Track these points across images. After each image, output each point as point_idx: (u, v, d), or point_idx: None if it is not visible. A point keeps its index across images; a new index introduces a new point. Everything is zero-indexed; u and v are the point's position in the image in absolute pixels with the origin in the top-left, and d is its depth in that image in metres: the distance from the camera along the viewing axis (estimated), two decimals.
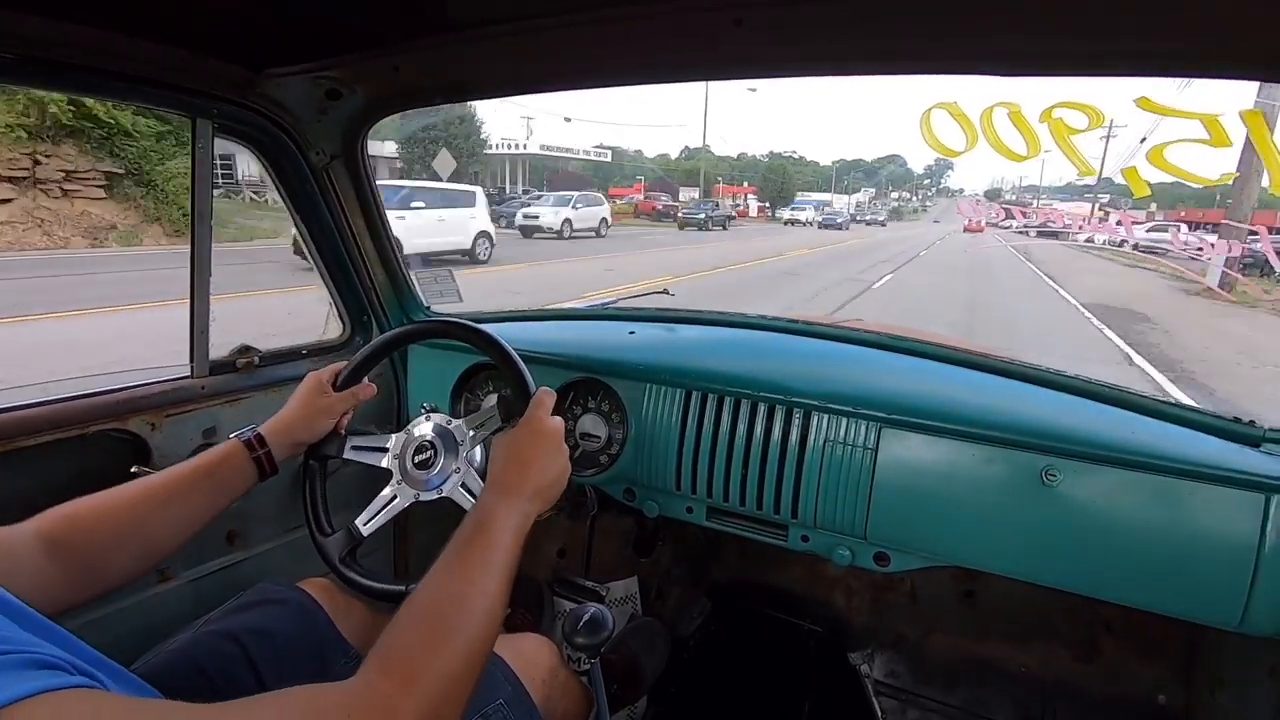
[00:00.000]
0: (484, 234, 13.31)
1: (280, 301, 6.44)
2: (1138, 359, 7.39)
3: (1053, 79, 0.88)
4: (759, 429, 1.18)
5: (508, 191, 34.86)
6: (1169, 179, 0.86)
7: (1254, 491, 0.90)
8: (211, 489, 0.92)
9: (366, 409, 1.18)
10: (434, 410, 1.09)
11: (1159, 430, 1.03)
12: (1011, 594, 1.52)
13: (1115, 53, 0.82)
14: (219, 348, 1.24)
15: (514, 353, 1.04)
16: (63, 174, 11.70)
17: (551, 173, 44.24)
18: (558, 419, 0.95)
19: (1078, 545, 1.00)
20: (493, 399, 1.43)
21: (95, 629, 1.03)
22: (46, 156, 11.47)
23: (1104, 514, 0.98)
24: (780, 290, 11.23)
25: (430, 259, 10.73)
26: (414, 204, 11.56)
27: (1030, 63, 0.87)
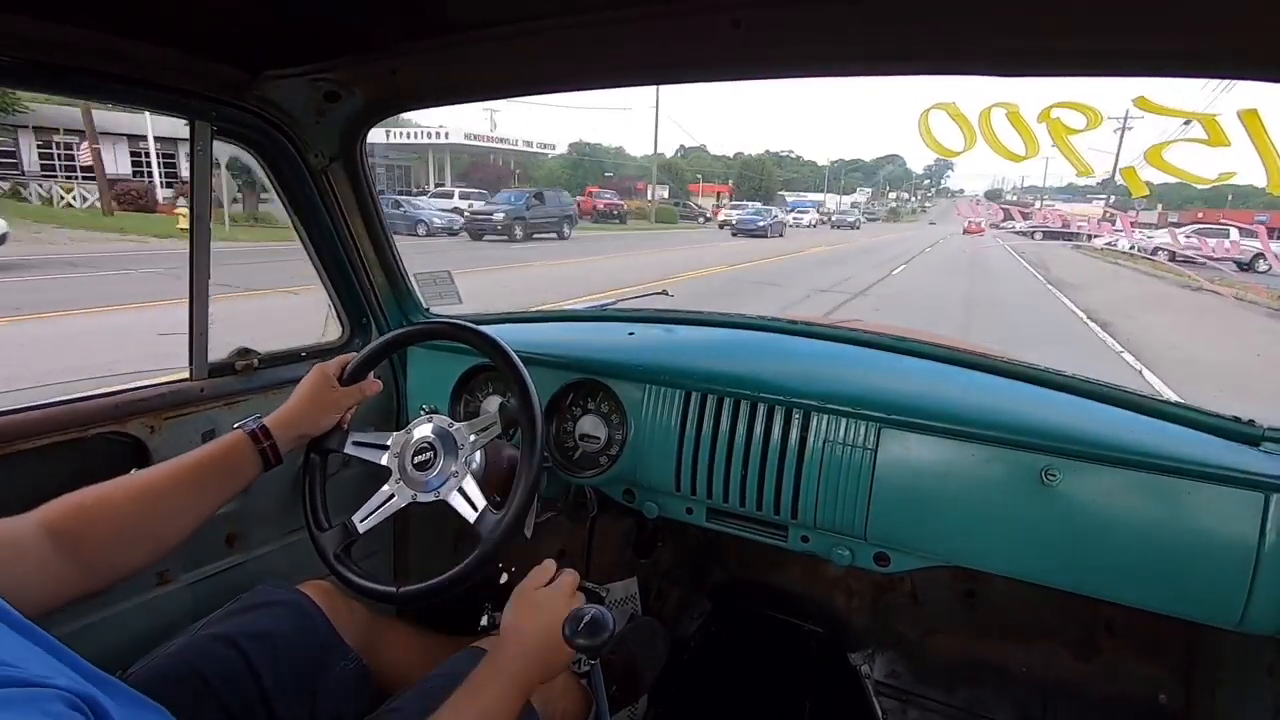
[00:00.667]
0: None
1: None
2: None
3: (1051, 79, 0.88)
4: (758, 429, 1.18)
5: (429, 188, 30.23)
6: (1174, 179, 0.86)
7: (1253, 490, 0.90)
8: (217, 480, 0.92)
9: (365, 409, 1.19)
10: (434, 412, 1.09)
11: (1158, 429, 1.03)
12: (1011, 594, 1.52)
13: (1115, 53, 0.82)
14: (296, 336, 1.23)
15: (520, 363, 1.05)
16: None
17: (468, 166, 39.68)
18: (557, 586, 0.96)
19: (1077, 545, 1.00)
20: (493, 403, 1.43)
21: (94, 632, 1.03)
22: None
23: (1103, 513, 0.98)
24: None
25: None
26: None
27: (1029, 63, 0.87)
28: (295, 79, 1.12)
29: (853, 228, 35.47)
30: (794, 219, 38.71)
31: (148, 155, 19.87)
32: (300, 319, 1.62)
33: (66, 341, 5.67)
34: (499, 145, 38.24)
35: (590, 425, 1.34)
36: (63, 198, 16.58)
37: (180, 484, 0.88)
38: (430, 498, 1.02)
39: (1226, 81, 0.80)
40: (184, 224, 1.21)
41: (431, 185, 32.39)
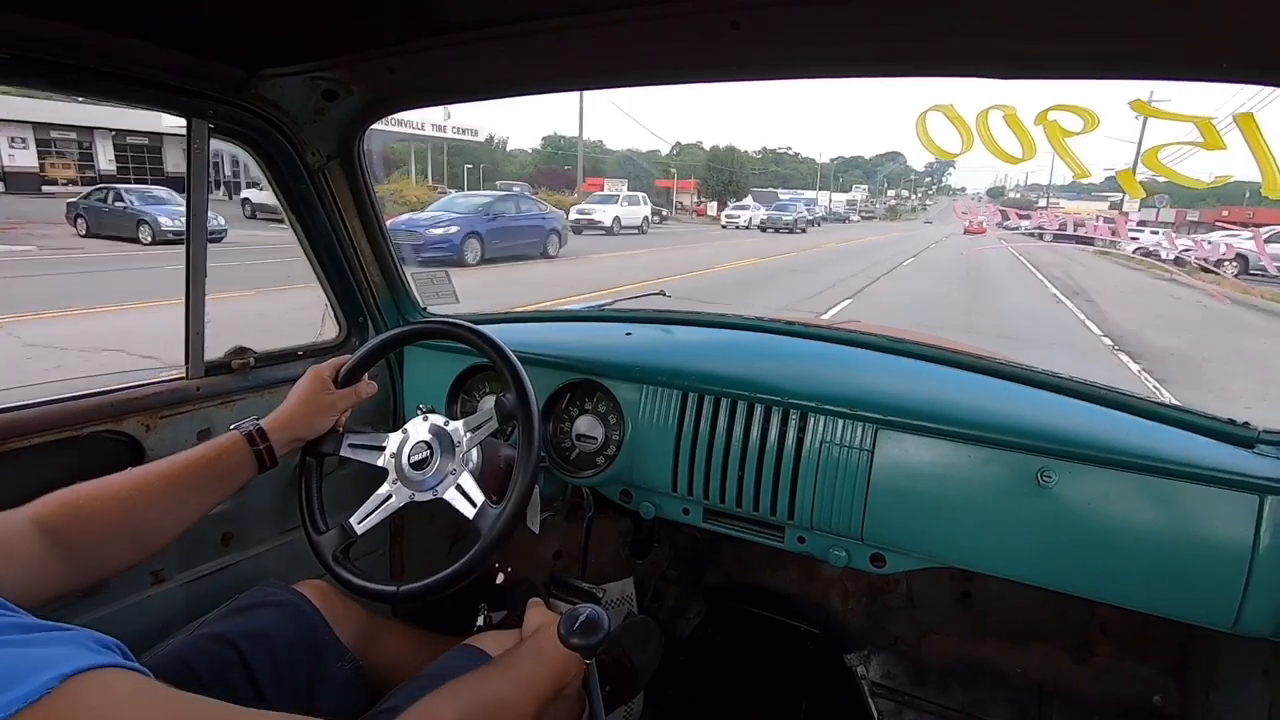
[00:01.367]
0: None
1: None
2: None
3: (1049, 81, 0.89)
4: (755, 430, 1.18)
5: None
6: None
7: (1247, 493, 0.91)
8: (211, 480, 0.92)
9: (362, 409, 1.18)
10: (431, 411, 1.09)
11: (1154, 431, 1.03)
12: (1007, 595, 1.52)
13: (1113, 56, 0.82)
14: None
15: (517, 360, 1.05)
16: None
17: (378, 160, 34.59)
18: (550, 625, 0.96)
19: (1073, 546, 1.00)
20: (489, 401, 1.43)
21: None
22: None
23: (1099, 515, 0.98)
24: None
25: None
26: None
27: (1027, 66, 0.87)
28: (293, 78, 1.12)
29: (795, 231, 29.04)
30: (726, 219, 33.83)
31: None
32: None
33: None
34: (416, 134, 27.71)
35: (587, 425, 1.34)
36: None
37: (174, 483, 0.88)
38: (428, 497, 1.02)
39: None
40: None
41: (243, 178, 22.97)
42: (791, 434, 1.16)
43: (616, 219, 21.33)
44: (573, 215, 20.00)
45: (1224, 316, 9.77)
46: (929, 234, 35.19)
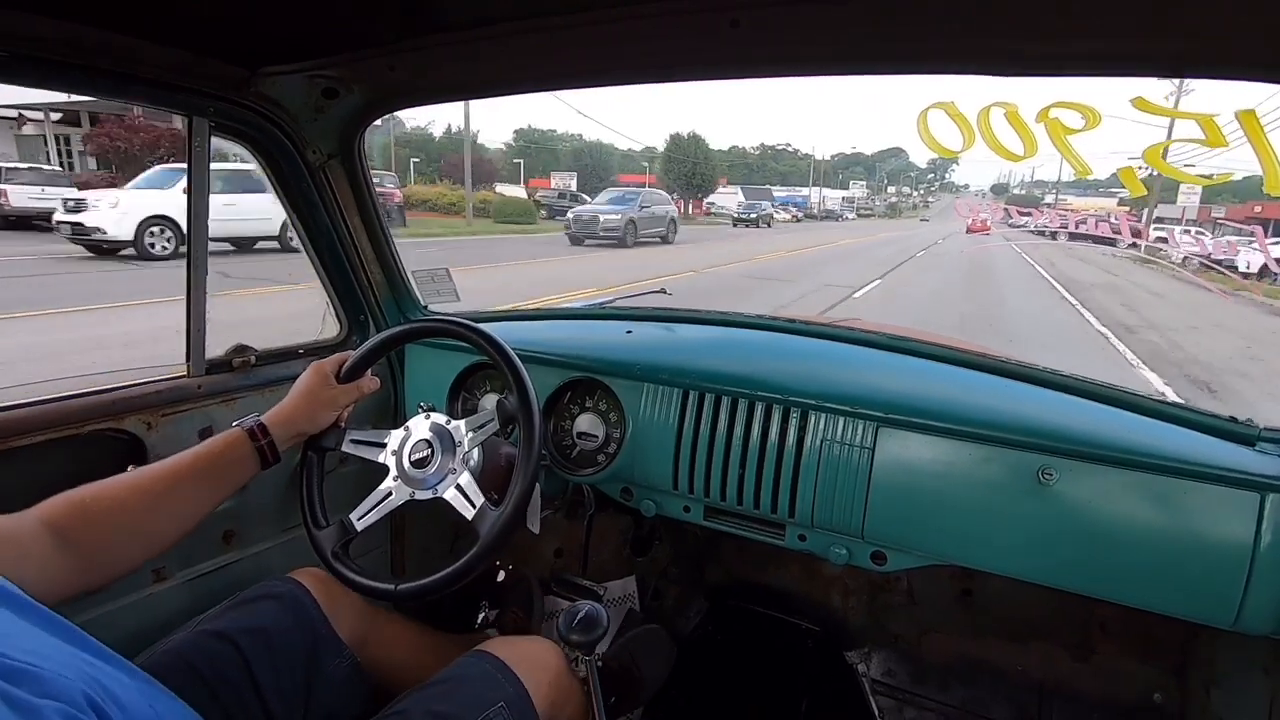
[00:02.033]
0: None
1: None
2: None
3: (1051, 79, 0.88)
4: (756, 428, 1.18)
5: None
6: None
7: (1248, 490, 0.91)
8: (214, 477, 0.92)
9: (363, 406, 1.19)
10: (432, 409, 1.09)
11: (1155, 429, 1.03)
12: (1008, 593, 1.52)
13: (1113, 54, 0.82)
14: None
15: (518, 359, 1.05)
16: None
17: None
18: None
19: (1074, 544, 1.00)
20: (491, 401, 1.43)
21: (90, 629, 1.02)
22: None
23: (1100, 513, 0.98)
24: None
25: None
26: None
27: (1028, 63, 0.87)
28: (294, 75, 1.12)
29: (760, 226, 27.95)
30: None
31: None
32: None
33: None
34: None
35: (588, 423, 1.34)
36: None
37: (178, 481, 0.88)
38: (428, 495, 1.02)
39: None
40: None
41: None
42: (792, 432, 1.16)
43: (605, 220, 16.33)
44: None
45: None
46: (924, 234, 31.35)
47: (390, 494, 1.04)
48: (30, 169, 13.56)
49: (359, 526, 1.03)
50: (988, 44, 0.86)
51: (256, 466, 0.96)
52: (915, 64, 0.93)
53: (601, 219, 16.55)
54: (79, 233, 9.34)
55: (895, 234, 33.59)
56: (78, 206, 9.27)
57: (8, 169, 12.54)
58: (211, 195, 1.14)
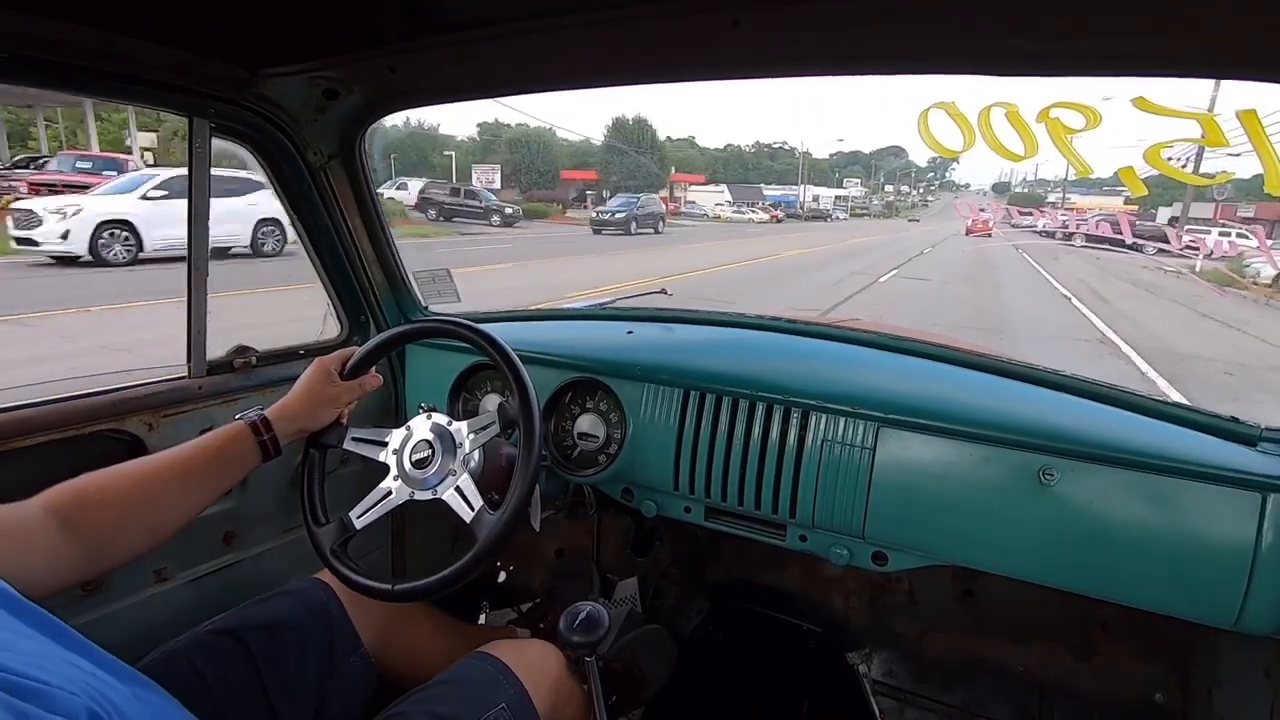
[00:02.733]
0: (268, 221, 10.22)
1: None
2: None
3: (1052, 79, 0.88)
4: (757, 429, 1.18)
5: None
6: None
7: (1250, 490, 0.91)
8: (216, 469, 0.92)
9: (364, 406, 1.19)
10: (433, 410, 1.09)
11: (1156, 430, 1.03)
12: (1009, 593, 1.52)
13: (1114, 53, 0.82)
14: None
15: (519, 360, 1.05)
16: None
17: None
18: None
19: (1075, 544, 1.00)
20: (492, 402, 1.43)
21: (91, 631, 1.03)
22: None
23: (1101, 513, 0.98)
24: None
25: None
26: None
27: (1029, 63, 0.87)
28: (294, 76, 1.12)
29: (632, 233, 21.06)
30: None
31: None
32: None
33: None
34: None
35: (589, 424, 1.34)
36: None
37: (181, 472, 0.88)
38: (428, 495, 1.02)
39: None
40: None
41: None
42: (793, 432, 1.16)
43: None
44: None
45: None
46: (912, 239, 26.21)
47: (390, 493, 1.04)
48: None
49: (358, 525, 1.04)
50: (988, 44, 0.86)
51: (258, 459, 0.96)
52: (915, 64, 0.93)
53: (615, 216, 22.66)
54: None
55: (876, 238, 27.56)
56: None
57: None
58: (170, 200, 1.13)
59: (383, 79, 1.15)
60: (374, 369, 1.14)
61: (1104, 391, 1.12)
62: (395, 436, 1.07)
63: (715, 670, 1.64)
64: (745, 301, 9.32)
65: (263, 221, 10.37)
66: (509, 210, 23.14)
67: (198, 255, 1.16)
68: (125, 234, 9.08)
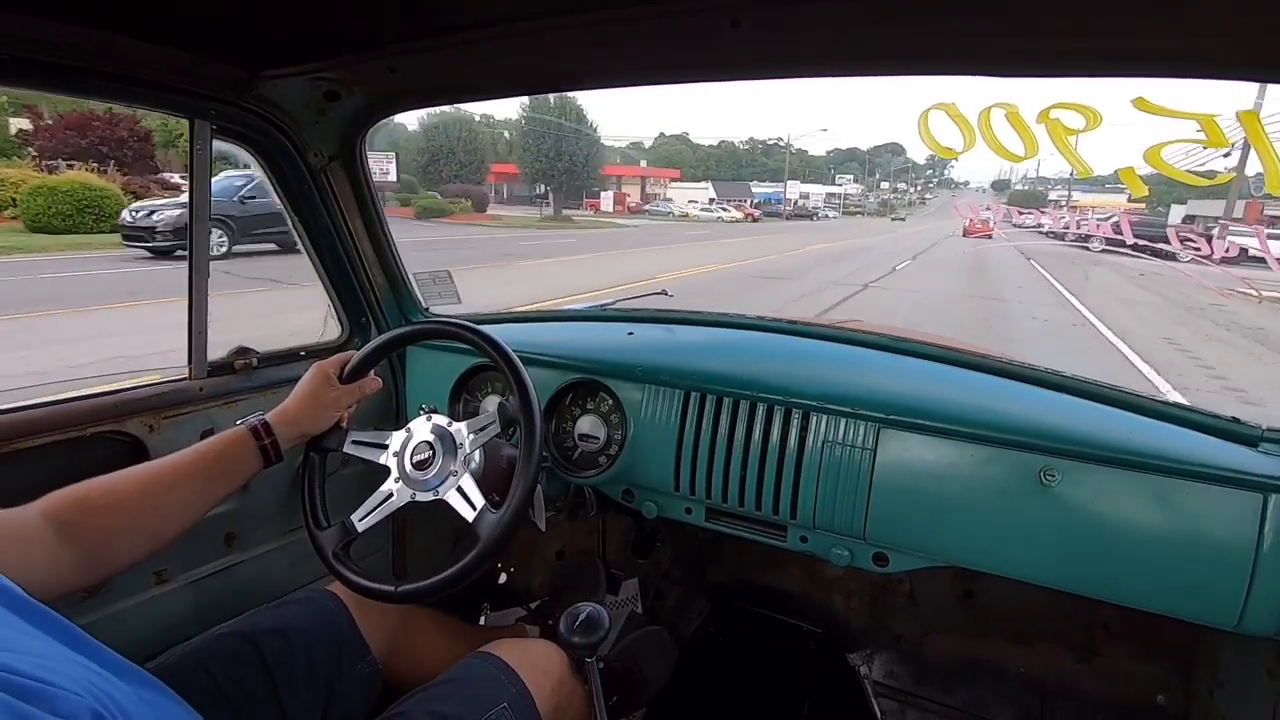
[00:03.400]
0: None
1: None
2: None
3: (1052, 79, 0.88)
4: (758, 430, 1.18)
5: None
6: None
7: (1251, 491, 0.90)
8: (217, 475, 0.92)
9: (365, 408, 1.19)
10: (434, 411, 1.09)
11: (1157, 430, 1.03)
12: (1010, 594, 1.52)
13: (1115, 53, 0.82)
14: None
15: (519, 361, 1.05)
16: None
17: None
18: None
19: (1076, 545, 1.00)
20: (492, 403, 1.43)
21: (92, 632, 1.02)
22: None
23: (1102, 514, 0.98)
24: None
25: None
26: None
27: (1029, 63, 0.87)
28: (295, 78, 1.12)
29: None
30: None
31: None
32: None
33: None
34: None
35: (589, 425, 1.34)
36: None
37: (182, 477, 0.88)
38: (429, 497, 1.02)
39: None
40: None
41: None
42: (794, 433, 1.15)
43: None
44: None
45: None
46: (893, 245, 21.84)
47: (391, 495, 1.04)
48: None
49: (360, 528, 1.04)
50: (988, 44, 0.86)
51: (259, 465, 0.96)
52: (915, 64, 0.93)
53: None
54: None
55: (849, 243, 23.07)
56: None
57: None
58: None
59: (383, 80, 1.15)
60: (373, 372, 1.14)
61: (1105, 392, 1.12)
62: (395, 439, 1.07)
63: (716, 671, 1.64)
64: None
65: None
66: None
67: (198, 256, 1.16)
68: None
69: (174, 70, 1.01)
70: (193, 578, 1.19)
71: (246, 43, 1.02)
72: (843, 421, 1.13)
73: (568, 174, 32.17)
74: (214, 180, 1.16)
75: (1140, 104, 0.82)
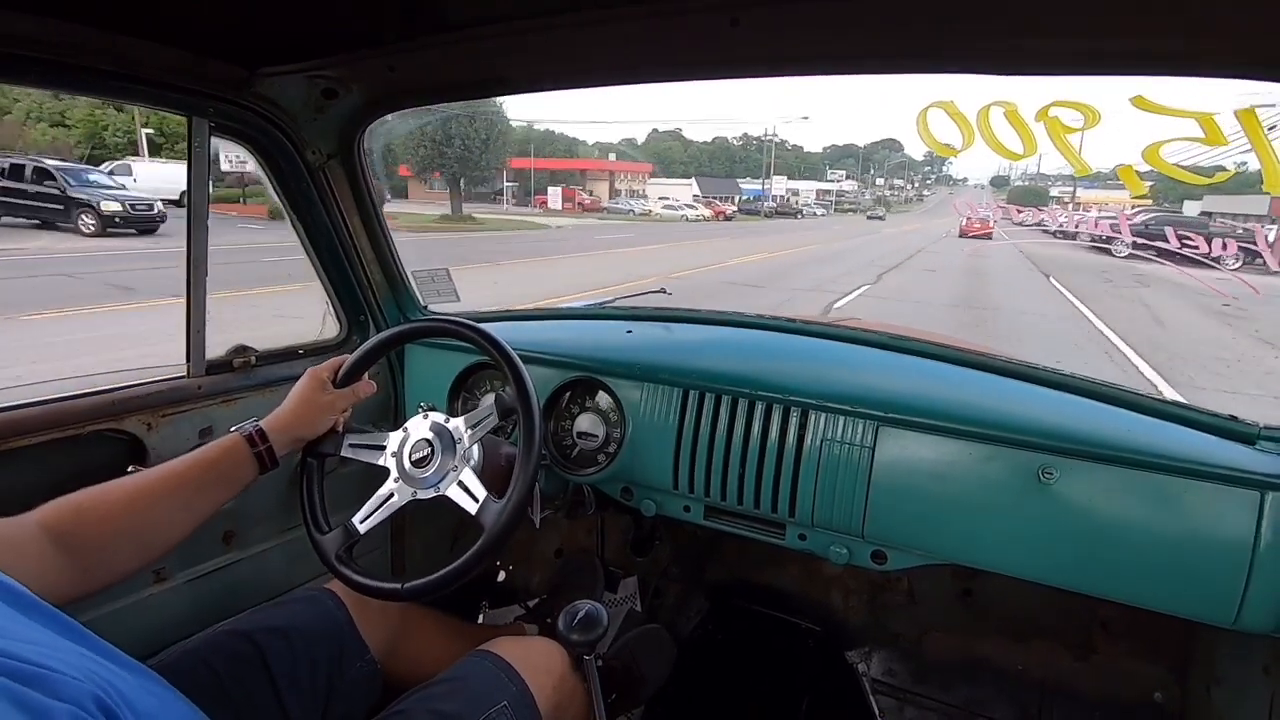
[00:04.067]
0: None
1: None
2: None
3: (1050, 78, 0.88)
4: (756, 428, 1.18)
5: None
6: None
7: (1248, 489, 0.91)
8: (213, 482, 0.92)
9: (363, 407, 1.18)
10: (432, 409, 1.09)
11: (1154, 428, 1.03)
12: (1008, 592, 1.52)
13: (1114, 52, 0.82)
14: None
15: (518, 359, 1.05)
16: None
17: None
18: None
19: (1074, 543, 1.00)
20: (491, 399, 1.43)
21: (91, 630, 1.03)
22: None
23: (1100, 512, 0.98)
24: None
25: None
26: None
27: (1027, 62, 0.87)
28: (293, 76, 1.12)
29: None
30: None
31: None
32: None
33: None
34: None
35: (588, 423, 1.34)
36: None
37: (177, 487, 0.88)
38: (430, 494, 1.02)
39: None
40: None
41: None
42: (792, 431, 1.16)
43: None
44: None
45: None
46: (865, 249, 17.79)
47: (392, 495, 1.03)
48: None
49: (362, 530, 1.03)
50: (988, 43, 0.86)
51: (255, 471, 0.96)
52: (915, 64, 0.93)
53: None
54: None
55: (805, 251, 18.36)
56: None
57: None
58: None
59: (382, 78, 1.15)
60: (368, 374, 1.13)
61: (1103, 390, 1.12)
62: (393, 439, 1.07)
63: (714, 669, 1.64)
64: None
65: None
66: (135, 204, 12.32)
67: (197, 255, 1.15)
68: None
69: (173, 68, 1.01)
70: (191, 576, 1.19)
71: (245, 41, 1.02)
72: (841, 419, 1.13)
73: (460, 162, 24.94)
74: None
75: (1139, 102, 0.83)
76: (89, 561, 0.78)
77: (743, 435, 1.19)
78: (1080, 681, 1.49)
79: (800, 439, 1.15)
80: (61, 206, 12.02)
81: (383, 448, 1.07)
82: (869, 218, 47.78)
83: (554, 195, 39.27)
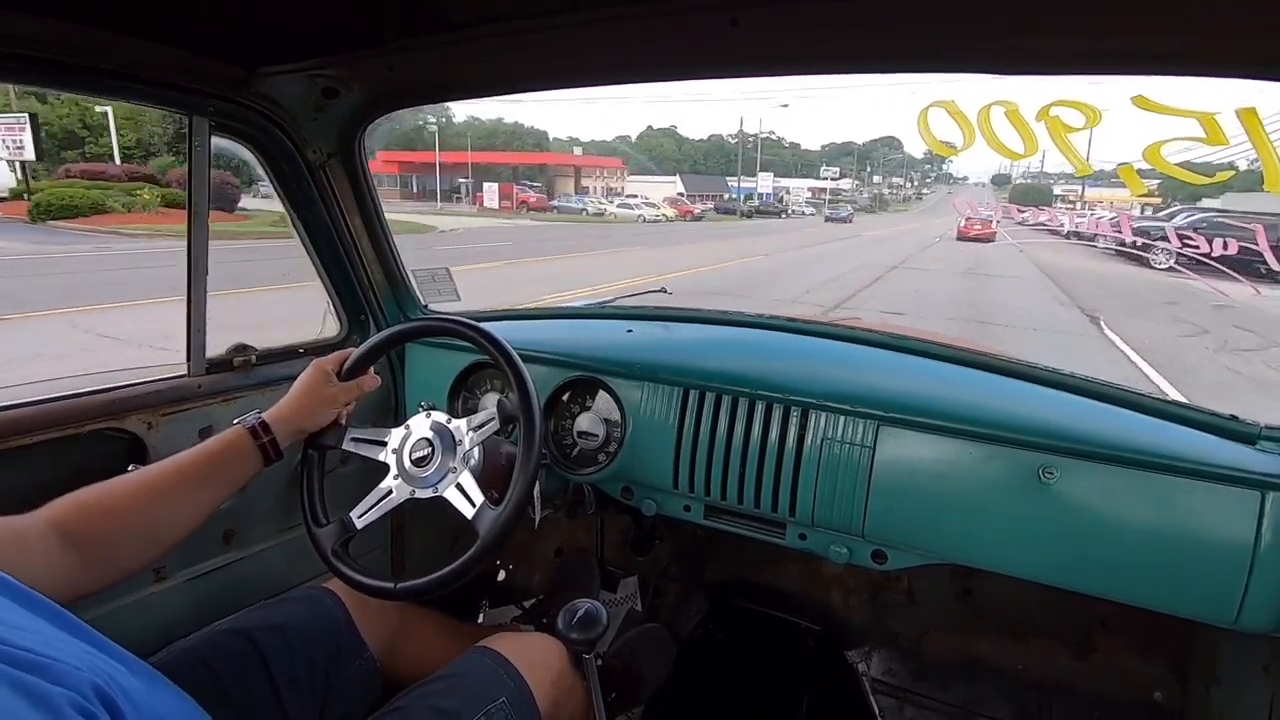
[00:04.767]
0: None
1: None
2: None
3: (1051, 77, 0.88)
4: (757, 427, 1.18)
5: None
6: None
7: (1249, 489, 0.91)
8: (217, 476, 0.92)
9: (364, 405, 1.19)
10: (433, 408, 1.09)
11: (1155, 428, 1.03)
12: (1008, 592, 1.52)
13: (1114, 52, 0.82)
14: None
15: (519, 358, 1.05)
16: None
17: None
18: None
19: (1074, 543, 1.00)
20: (491, 400, 1.43)
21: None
22: None
23: (1101, 511, 0.98)
24: None
25: None
26: None
27: (1027, 62, 0.87)
28: (293, 75, 1.12)
29: None
30: None
31: None
32: None
33: None
34: None
35: (588, 423, 1.34)
36: None
37: (181, 481, 0.88)
38: (428, 494, 1.02)
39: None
40: None
41: None
42: (793, 431, 1.16)
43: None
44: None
45: None
46: (806, 269, 14.05)
47: (391, 492, 1.04)
48: None
49: (359, 525, 1.04)
50: (987, 43, 0.86)
51: (259, 464, 0.96)
52: (915, 63, 0.93)
53: None
54: None
55: (746, 264, 14.96)
56: None
57: None
58: None
59: (382, 77, 1.15)
60: (372, 369, 1.14)
61: (1104, 390, 1.12)
62: (395, 436, 1.07)
63: (714, 668, 1.64)
64: None
65: None
66: None
67: (197, 254, 1.16)
68: None
69: (173, 68, 1.01)
70: (191, 575, 1.19)
71: (245, 40, 1.02)
72: (842, 419, 1.13)
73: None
74: None
75: (1140, 102, 0.82)
76: (96, 558, 0.78)
77: (743, 435, 1.19)
78: (1079, 680, 1.49)
79: (800, 438, 1.15)
80: None
81: (384, 444, 1.07)
82: (828, 219, 38.84)
83: (490, 192, 36.93)
